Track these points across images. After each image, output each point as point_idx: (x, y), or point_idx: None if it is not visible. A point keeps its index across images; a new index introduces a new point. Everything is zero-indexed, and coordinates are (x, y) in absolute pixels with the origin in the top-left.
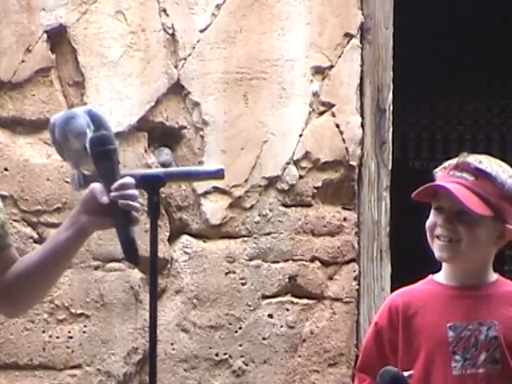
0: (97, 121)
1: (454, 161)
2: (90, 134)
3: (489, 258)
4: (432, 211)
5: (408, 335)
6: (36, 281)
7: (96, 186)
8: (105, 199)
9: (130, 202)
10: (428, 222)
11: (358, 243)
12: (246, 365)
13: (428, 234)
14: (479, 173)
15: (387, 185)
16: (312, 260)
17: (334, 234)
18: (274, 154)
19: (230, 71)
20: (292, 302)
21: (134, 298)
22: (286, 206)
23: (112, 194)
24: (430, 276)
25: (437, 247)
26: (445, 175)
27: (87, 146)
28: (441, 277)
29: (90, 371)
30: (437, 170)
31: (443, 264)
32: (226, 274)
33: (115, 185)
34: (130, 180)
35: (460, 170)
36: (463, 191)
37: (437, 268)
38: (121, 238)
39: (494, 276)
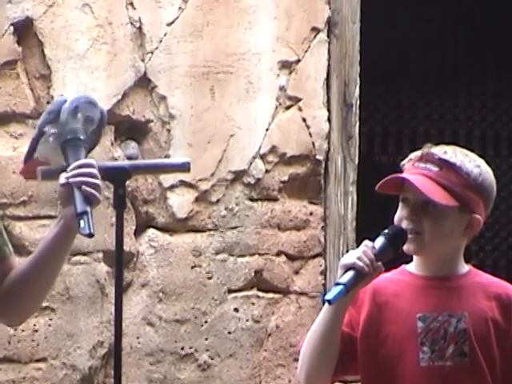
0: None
1: (418, 152)
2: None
3: (458, 248)
4: (400, 204)
5: (377, 322)
6: (32, 285)
7: (61, 175)
8: (60, 180)
9: (82, 179)
10: (396, 216)
11: (325, 238)
12: (212, 359)
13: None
14: (443, 163)
15: (354, 179)
16: (278, 254)
17: (300, 229)
18: (241, 148)
19: (197, 65)
20: (258, 297)
21: (100, 291)
22: (252, 200)
23: (67, 174)
24: (403, 266)
25: None
26: (410, 167)
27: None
28: (412, 267)
29: (56, 365)
30: (404, 161)
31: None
32: (192, 267)
33: (71, 166)
34: (87, 160)
35: (424, 161)
36: (427, 182)
37: (407, 259)
38: (76, 211)
39: (465, 267)
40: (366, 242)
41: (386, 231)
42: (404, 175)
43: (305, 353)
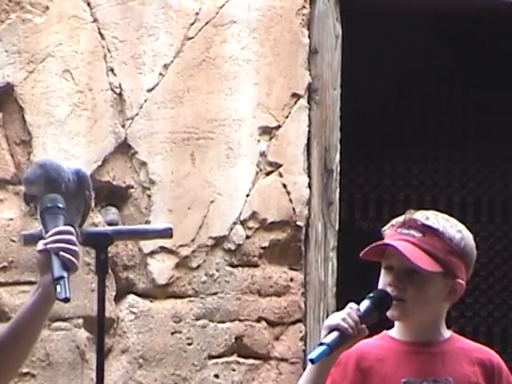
0: (84, 182)
1: (401, 218)
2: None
3: (441, 313)
4: (382, 271)
5: None
6: (10, 352)
7: (39, 242)
8: (38, 247)
9: (60, 245)
10: (380, 282)
11: (305, 304)
12: None
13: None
14: (426, 229)
15: (334, 245)
16: (258, 320)
17: (281, 295)
18: (221, 214)
19: (177, 131)
20: (238, 362)
21: (80, 357)
22: (232, 266)
23: (45, 240)
24: (384, 331)
25: None
26: (392, 233)
27: (38, 205)
28: (394, 332)
29: None
30: (385, 228)
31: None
32: (173, 333)
33: (50, 232)
34: (65, 227)
35: (407, 227)
36: (411, 248)
37: (389, 325)
38: (53, 276)
39: (447, 332)
40: (351, 305)
41: (372, 295)
42: (389, 241)
43: None
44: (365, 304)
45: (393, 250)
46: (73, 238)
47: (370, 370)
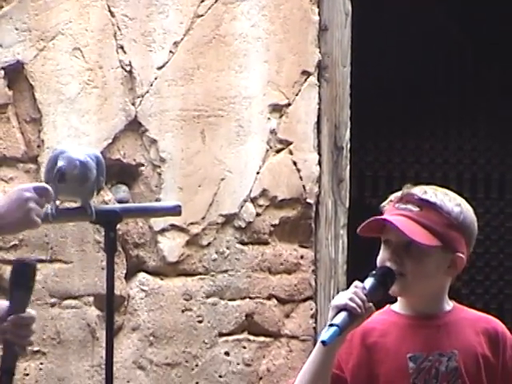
0: (101, 168)
1: (399, 193)
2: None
3: (442, 287)
4: (382, 246)
5: (368, 364)
6: None
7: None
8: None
9: (16, 339)
10: (379, 258)
11: (315, 281)
12: None
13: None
14: (423, 203)
15: (344, 223)
16: (269, 298)
17: (291, 272)
18: (231, 192)
19: (188, 108)
20: (249, 340)
21: (91, 335)
22: (243, 243)
23: (3, 325)
24: (388, 306)
25: None
26: (391, 208)
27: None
28: (397, 306)
29: None
30: (384, 203)
31: None
32: (183, 311)
33: (9, 319)
34: (26, 316)
35: (405, 201)
36: (407, 223)
37: (392, 299)
38: (2, 366)
39: (450, 304)
40: (357, 283)
41: (375, 272)
42: (385, 216)
43: None
44: (369, 282)
45: (388, 224)
46: (29, 332)
47: (374, 346)
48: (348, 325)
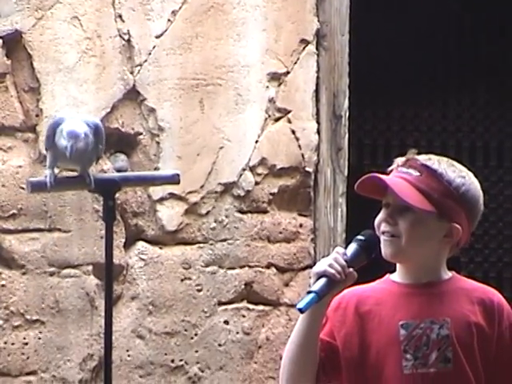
0: (100, 137)
1: (403, 157)
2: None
3: (440, 256)
4: (382, 209)
5: (360, 332)
6: None
7: None
8: None
9: None
10: (376, 219)
11: (314, 250)
12: (202, 371)
13: (376, 232)
14: (425, 169)
15: (343, 191)
16: (268, 266)
17: (290, 241)
18: (230, 160)
19: (186, 77)
20: (248, 309)
21: (90, 304)
22: (241, 212)
23: None
24: (387, 275)
25: (382, 243)
26: (393, 171)
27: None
28: (396, 276)
29: (46, 378)
30: (391, 167)
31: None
32: (182, 280)
33: None
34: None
35: (407, 166)
36: (403, 185)
37: (393, 269)
38: None
39: (448, 274)
40: (338, 249)
41: (358, 237)
42: (382, 176)
43: (284, 363)
44: (351, 247)
45: (382, 184)
46: None
47: (368, 314)
48: (327, 291)
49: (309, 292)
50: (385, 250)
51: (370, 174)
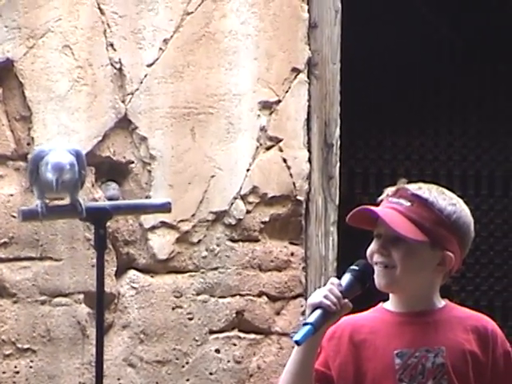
0: (81, 162)
1: (394, 187)
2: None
3: (433, 284)
4: (374, 239)
5: (355, 361)
6: None
7: None
8: None
9: None
10: (368, 250)
11: (306, 278)
12: None
13: (369, 261)
14: (415, 198)
15: (335, 220)
16: (259, 295)
17: (282, 269)
18: (222, 189)
19: (178, 106)
20: (239, 337)
21: (81, 332)
22: (233, 240)
23: None
24: (380, 304)
25: (376, 274)
26: (384, 202)
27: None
28: (389, 304)
29: None
30: (381, 197)
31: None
32: (173, 308)
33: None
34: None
35: (398, 196)
36: (395, 216)
37: (386, 297)
38: None
39: (441, 302)
40: (333, 280)
41: (353, 267)
42: (373, 208)
43: None
44: (346, 278)
45: (374, 216)
46: None
47: (363, 343)
48: (323, 323)
49: (305, 324)
50: (379, 280)
51: (362, 207)
